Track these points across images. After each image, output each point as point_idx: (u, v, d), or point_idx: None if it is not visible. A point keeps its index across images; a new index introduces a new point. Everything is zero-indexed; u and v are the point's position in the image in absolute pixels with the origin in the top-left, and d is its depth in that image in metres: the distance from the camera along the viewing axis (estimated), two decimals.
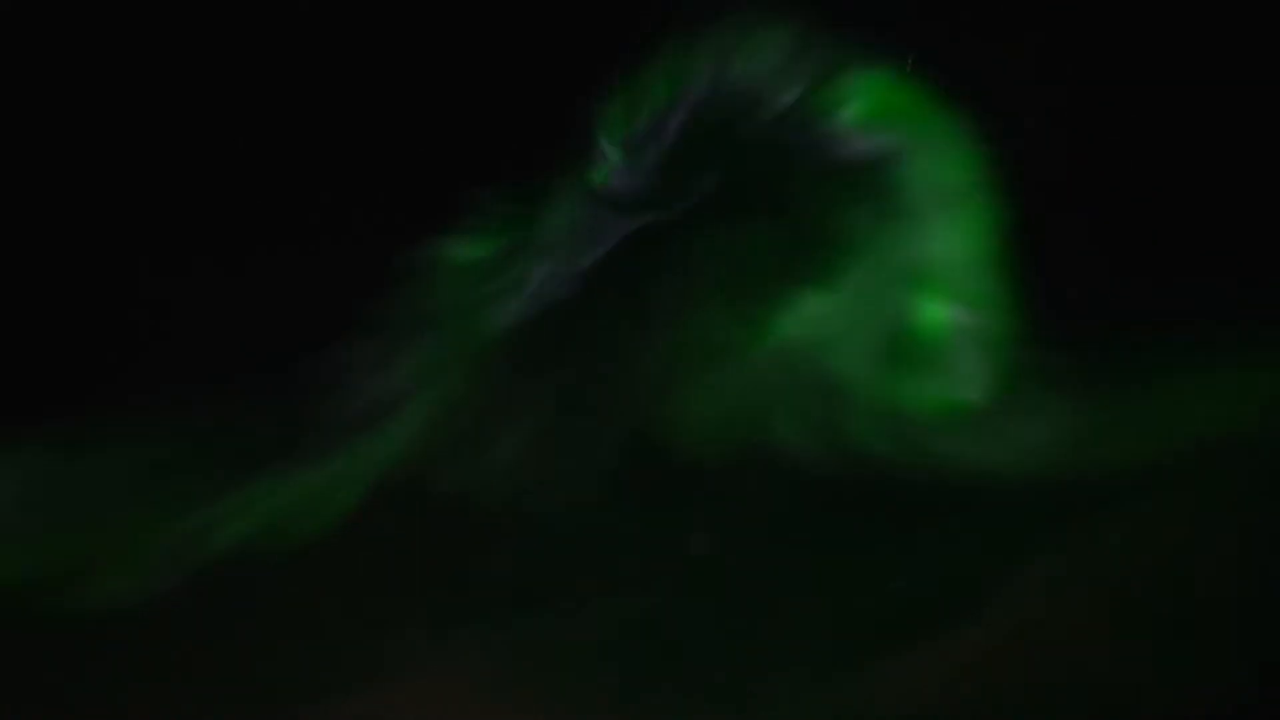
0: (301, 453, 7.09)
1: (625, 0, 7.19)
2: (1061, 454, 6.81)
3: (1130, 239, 7.05)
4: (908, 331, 7.08)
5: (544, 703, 6.70)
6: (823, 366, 7.05)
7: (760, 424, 7.01)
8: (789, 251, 7.18)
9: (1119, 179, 7.09)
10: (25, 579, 6.90)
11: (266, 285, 7.36)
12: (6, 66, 7.41)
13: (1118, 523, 6.71)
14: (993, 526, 6.79)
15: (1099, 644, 6.51)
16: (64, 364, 7.31)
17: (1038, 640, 6.55)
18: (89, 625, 6.84)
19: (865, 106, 7.18)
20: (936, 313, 7.09)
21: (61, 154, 7.40)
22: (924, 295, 7.10)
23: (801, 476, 6.94)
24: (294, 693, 6.76)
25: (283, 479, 7.07)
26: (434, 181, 7.32)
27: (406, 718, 6.71)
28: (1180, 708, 6.36)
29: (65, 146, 7.40)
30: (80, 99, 7.42)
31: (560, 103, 7.22)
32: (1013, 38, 7.10)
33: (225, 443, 7.13)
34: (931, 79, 7.11)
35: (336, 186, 7.37)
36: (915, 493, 6.85)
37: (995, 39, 7.10)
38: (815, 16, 7.08)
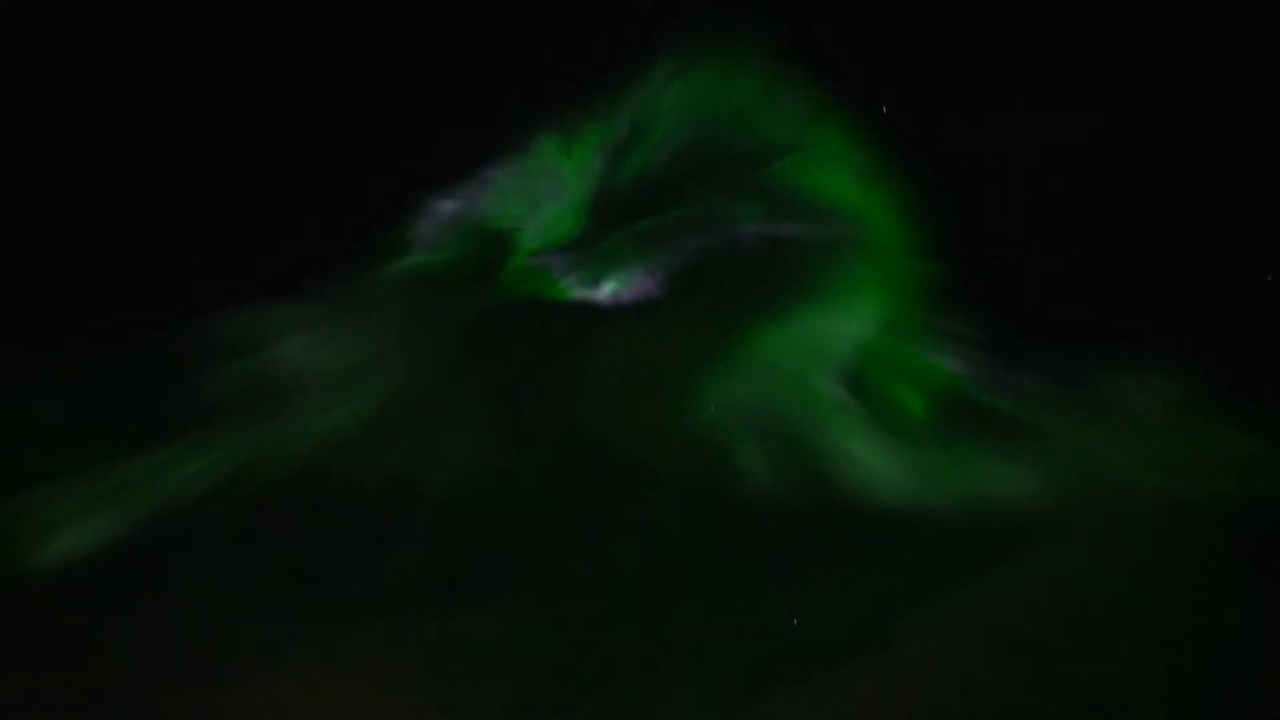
0: (225, 418, 7.03)
1: (613, 18, 7.32)
2: (972, 496, 7.01)
3: (1060, 298, 7.27)
4: (849, 371, 7.27)
5: (437, 706, 6.71)
6: (770, 399, 7.21)
7: (705, 447, 7.13)
8: (746, 285, 7.36)
9: (1059, 246, 7.34)
10: None
11: (202, 246, 7.29)
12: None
13: (1019, 566, 6.94)
14: (900, 565, 7.00)
15: (992, 684, 6.72)
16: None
17: (931, 679, 6.75)
18: None
19: (831, 151, 7.39)
20: (875, 355, 7.29)
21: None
22: (866, 338, 7.31)
23: (734, 502, 7.07)
24: (188, 677, 6.67)
25: (209, 443, 7.01)
26: (401, 166, 7.31)
27: (300, 710, 6.64)
28: None
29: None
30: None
31: (541, 107, 7.32)
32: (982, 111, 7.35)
33: (140, 401, 7.04)
34: (895, 137, 7.35)
35: (306, 166, 7.30)
36: (835, 527, 7.02)
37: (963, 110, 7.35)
38: (796, 58, 7.28)
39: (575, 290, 7.33)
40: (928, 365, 7.25)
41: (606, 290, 7.30)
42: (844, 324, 7.29)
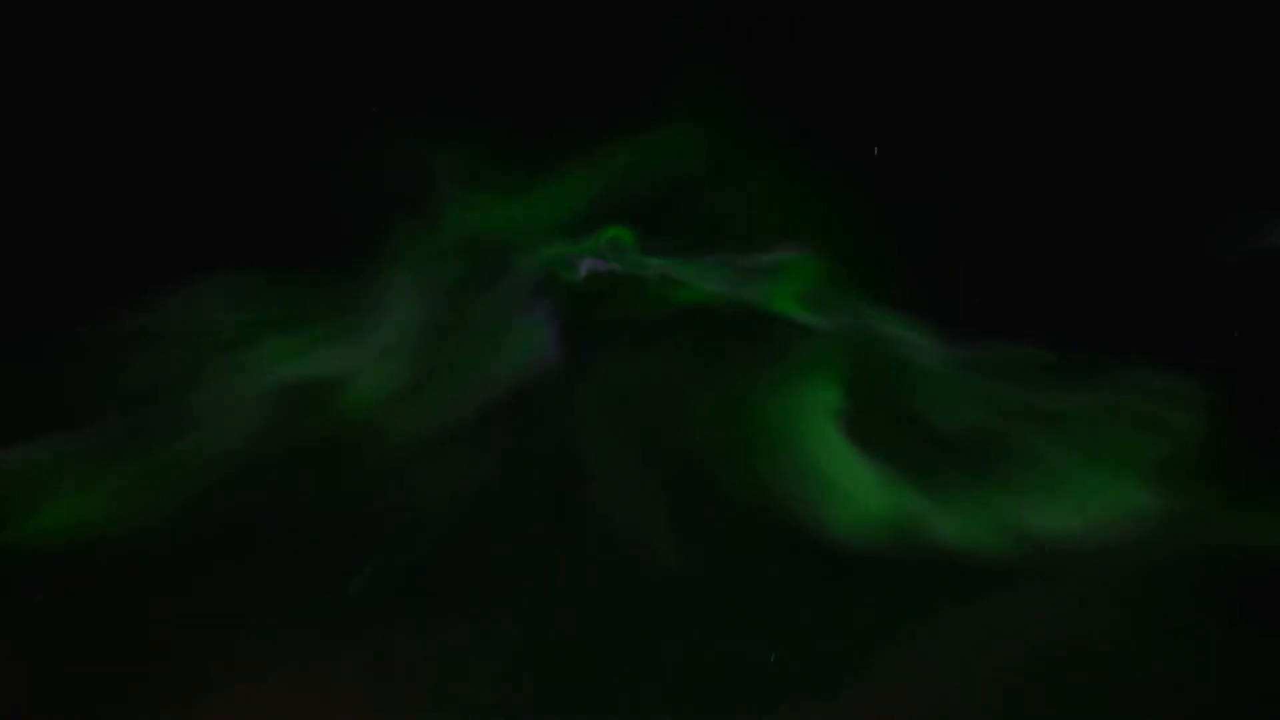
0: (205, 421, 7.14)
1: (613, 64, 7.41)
2: (953, 533, 7.01)
3: (1052, 337, 7.20)
4: (835, 404, 7.28)
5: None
6: (757, 429, 7.25)
7: (690, 474, 7.18)
8: (733, 316, 7.42)
9: (1050, 281, 7.33)
10: None
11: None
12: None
13: (986, 604, 6.92)
14: (881, 601, 6.97)
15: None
16: None
17: (899, 714, 6.75)
18: None
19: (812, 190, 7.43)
20: (862, 388, 7.30)
21: None
22: (853, 372, 7.32)
23: (716, 531, 7.11)
24: (157, 688, 6.73)
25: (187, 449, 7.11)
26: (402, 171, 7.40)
27: None
28: None
29: None
30: None
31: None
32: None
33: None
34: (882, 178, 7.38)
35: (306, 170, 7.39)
36: (816, 561, 7.02)
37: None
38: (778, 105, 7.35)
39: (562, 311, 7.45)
40: (911, 401, 7.24)
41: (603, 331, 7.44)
42: (831, 357, 7.33)
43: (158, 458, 7.05)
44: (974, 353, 7.19)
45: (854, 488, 7.09)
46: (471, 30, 7.45)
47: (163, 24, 7.39)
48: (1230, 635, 6.73)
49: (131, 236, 7.32)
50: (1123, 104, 7.25)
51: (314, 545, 7.03)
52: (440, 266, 7.40)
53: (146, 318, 7.22)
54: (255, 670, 6.78)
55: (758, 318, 7.38)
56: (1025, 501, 7.01)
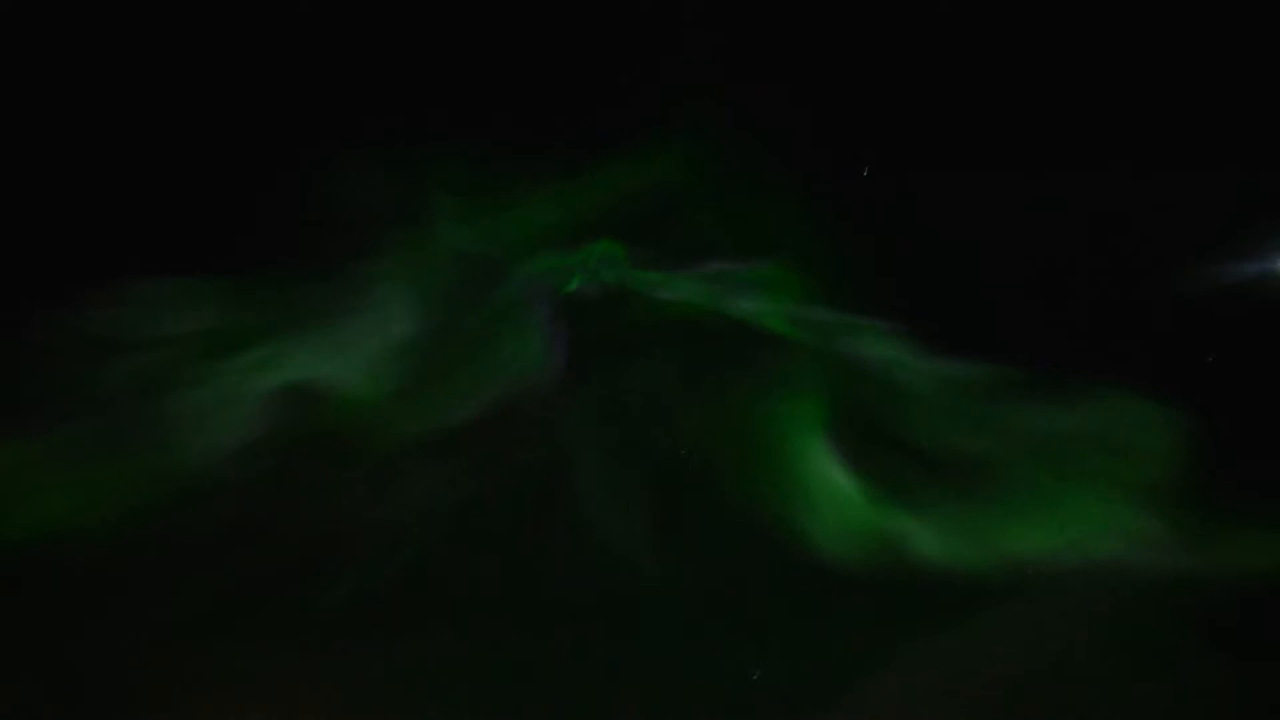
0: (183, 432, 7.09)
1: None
2: (921, 551, 7.04)
3: (1040, 355, 7.30)
4: (819, 422, 7.34)
5: None
6: (741, 446, 7.29)
7: (674, 492, 7.21)
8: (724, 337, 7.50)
9: (1037, 302, 7.46)
10: None
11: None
12: None
13: (966, 621, 6.95)
14: (865, 621, 6.99)
15: None
16: None
17: None
18: None
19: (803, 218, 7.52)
20: (848, 407, 7.36)
21: None
22: (839, 391, 7.39)
23: (699, 549, 7.12)
24: (128, 708, 6.67)
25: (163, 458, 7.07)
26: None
27: None
28: None
29: None
30: None
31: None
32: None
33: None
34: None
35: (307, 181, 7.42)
36: (801, 579, 7.03)
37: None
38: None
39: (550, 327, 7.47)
40: (896, 418, 7.28)
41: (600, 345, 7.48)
42: (817, 373, 7.36)
43: (138, 461, 7.02)
44: (960, 372, 7.27)
45: (838, 503, 7.12)
46: (469, 47, 7.55)
47: (164, 34, 7.46)
48: (1207, 656, 6.78)
49: (129, 239, 7.33)
50: (1108, 130, 7.40)
51: (299, 553, 6.99)
52: (433, 276, 7.44)
53: (136, 320, 7.21)
54: (229, 680, 6.73)
55: (745, 332, 7.44)
56: (1007, 521, 7.06)
